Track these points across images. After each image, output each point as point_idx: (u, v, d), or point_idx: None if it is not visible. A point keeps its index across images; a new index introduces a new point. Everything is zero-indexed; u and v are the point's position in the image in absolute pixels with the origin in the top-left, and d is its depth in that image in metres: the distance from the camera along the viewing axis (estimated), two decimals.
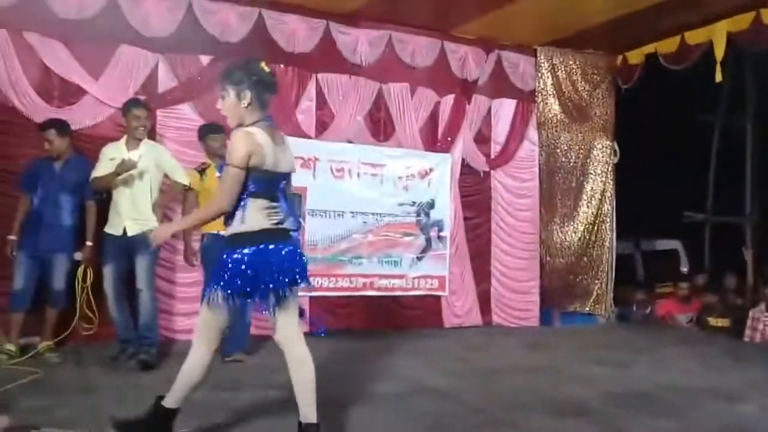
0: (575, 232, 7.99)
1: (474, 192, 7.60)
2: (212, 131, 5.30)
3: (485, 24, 7.05)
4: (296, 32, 6.59)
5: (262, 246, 2.96)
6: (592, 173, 8.09)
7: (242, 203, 2.96)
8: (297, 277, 3.09)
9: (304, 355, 3.15)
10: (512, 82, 7.74)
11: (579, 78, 8.02)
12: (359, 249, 6.87)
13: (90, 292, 5.01)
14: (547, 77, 7.88)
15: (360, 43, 6.90)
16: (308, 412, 3.11)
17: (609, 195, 8.15)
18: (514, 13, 6.67)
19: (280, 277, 2.98)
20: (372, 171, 6.98)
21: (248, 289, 2.95)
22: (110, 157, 4.88)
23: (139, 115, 4.95)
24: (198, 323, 3.15)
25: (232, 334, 4.87)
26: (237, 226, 2.98)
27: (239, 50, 6.30)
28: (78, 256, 5.00)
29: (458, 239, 7.39)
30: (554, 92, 7.92)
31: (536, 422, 3.74)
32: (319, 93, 6.79)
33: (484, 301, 7.59)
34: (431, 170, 7.26)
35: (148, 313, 4.91)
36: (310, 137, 6.71)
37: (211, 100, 6.17)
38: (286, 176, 3.14)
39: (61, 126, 5.02)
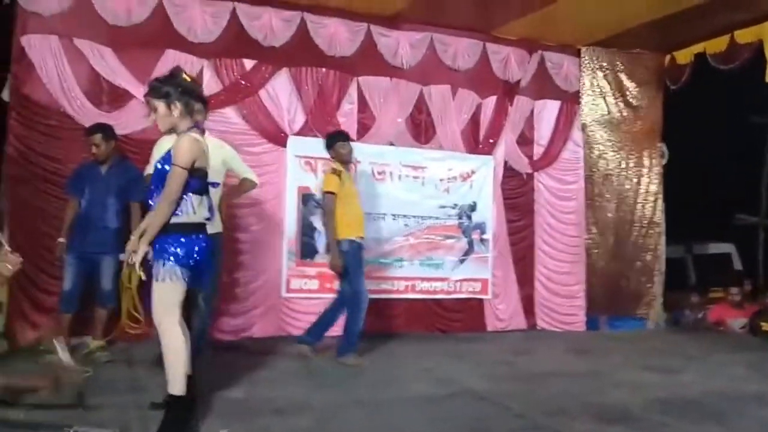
0: (622, 236, 7.81)
1: (517, 194, 7.52)
2: (342, 139, 5.45)
3: (528, 24, 6.97)
4: (338, 36, 6.62)
5: (195, 236, 3.33)
6: (639, 175, 7.92)
7: (186, 198, 3.30)
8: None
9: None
10: (556, 83, 7.64)
11: (626, 78, 7.87)
12: (401, 252, 6.86)
13: (135, 293, 5.09)
14: (592, 78, 7.75)
15: (401, 45, 6.90)
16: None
17: (658, 198, 7.96)
18: (557, 13, 6.59)
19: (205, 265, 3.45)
20: (413, 173, 6.96)
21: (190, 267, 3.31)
22: (166, 149, 4.88)
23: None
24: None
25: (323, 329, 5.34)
26: (181, 218, 3.29)
27: (282, 54, 6.41)
28: (123, 256, 5.09)
29: (501, 242, 7.32)
30: (600, 93, 7.78)
31: (579, 428, 3.66)
32: (361, 96, 6.81)
33: (528, 304, 7.49)
34: (473, 172, 7.20)
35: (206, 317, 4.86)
36: (351, 140, 6.71)
37: (254, 103, 6.31)
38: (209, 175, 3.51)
39: (106, 130, 5.14)
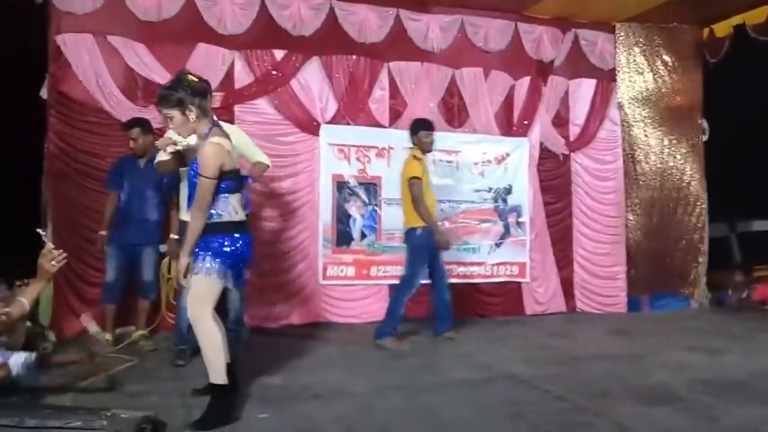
0: (665, 214, 7.66)
1: (553, 176, 7.41)
2: (427, 128, 5.54)
3: (560, 2, 6.85)
4: (367, 22, 6.60)
5: (237, 235, 3.39)
6: (680, 153, 7.73)
7: (222, 198, 3.34)
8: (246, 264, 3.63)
9: None
10: (590, 61, 7.49)
11: (663, 54, 7.68)
12: None
13: (175, 283, 5.18)
14: (629, 54, 7.58)
15: (431, 29, 6.83)
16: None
17: (699, 175, 7.77)
18: None
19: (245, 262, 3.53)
20: (447, 158, 6.92)
21: (234, 266, 3.39)
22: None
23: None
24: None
25: (443, 313, 5.50)
26: (219, 217, 3.34)
27: (312, 43, 6.41)
28: (163, 248, 5.19)
29: (538, 224, 7.24)
30: (637, 70, 7.61)
31: (621, 410, 3.60)
32: (392, 82, 6.78)
33: (568, 287, 7.40)
34: (508, 155, 7.13)
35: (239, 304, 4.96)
36: (383, 126, 6.73)
37: (285, 93, 6.33)
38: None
39: (144, 124, 5.21)
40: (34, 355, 3.47)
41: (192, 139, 4.37)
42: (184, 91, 3.24)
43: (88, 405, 3.33)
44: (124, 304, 5.31)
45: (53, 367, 3.80)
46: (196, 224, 3.27)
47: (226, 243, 3.31)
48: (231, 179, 3.33)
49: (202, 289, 3.30)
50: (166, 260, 5.17)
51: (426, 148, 5.53)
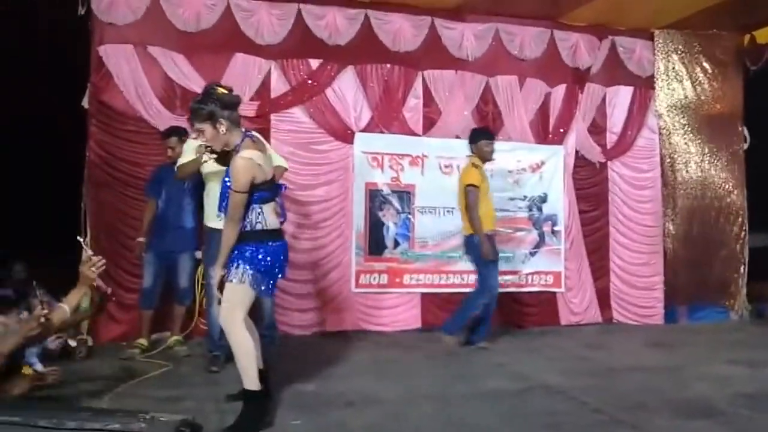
0: (705, 223, 7.50)
1: (590, 184, 7.31)
2: (487, 137, 5.64)
3: (597, 9, 6.75)
4: (402, 31, 6.62)
5: (272, 243, 3.41)
6: (720, 161, 7.57)
7: (256, 209, 3.37)
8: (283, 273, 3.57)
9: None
10: (628, 68, 7.38)
11: (703, 61, 7.54)
12: None
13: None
14: (667, 62, 7.45)
15: (465, 37, 6.82)
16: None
17: (740, 184, 7.60)
18: None
19: (280, 269, 3.50)
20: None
21: (271, 275, 3.42)
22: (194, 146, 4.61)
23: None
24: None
25: (483, 323, 5.56)
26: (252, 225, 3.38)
27: (347, 52, 6.45)
28: (199, 254, 5.25)
29: (573, 233, 7.14)
30: (676, 77, 7.49)
31: (659, 423, 3.53)
32: (426, 90, 6.78)
33: (604, 297, 7.28)
34: (543, 163, 7.06)
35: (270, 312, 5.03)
36: (417, 134, 6.72)
37: (320, 102, 6.38)
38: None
39: (181, 133, 5.29)
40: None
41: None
42: (214, 104, 3.27)
43: (126, 408, 3.39)
44: (161, 309, 5.39)
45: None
46: (230, 235, 3.31)
47: (259, 251, 3.33)
48: (264, 190, 3.35)
49: (235, 296, 3.34)
50: (201, 267, 5.26)
51: (486, 157, 5.61)
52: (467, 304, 5.63)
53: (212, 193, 4.47)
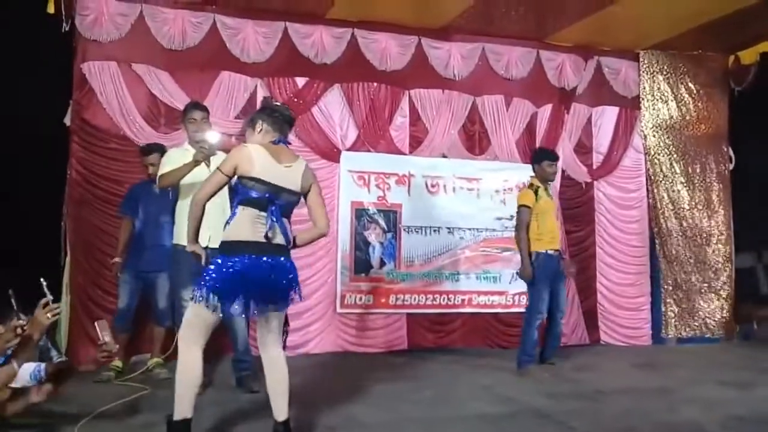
0: (689, 245, 7.49)
1: (576, 204, 7.31)
2: (551, 158, 5.59)
3: (583, 30, 6.79)
4: (388, 49, 6.62)
5: (238, 257, 3.08)
6: (705, 181, 7.59)
7: (234, 212, 3.18)
8: (275, 291, 3.18)
9: (277, 357, 3.30)
10: (614, 88, 7.43)
11: (688, 81, 7.60)
12: (456, 265, 6.74)
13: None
14: (653, 82, 7.50)
15: (452, 57, 6.84)
16: (279, 410, 3.24)
17: (725, 204, 7.62)
18: (613, 18, 6.40)
19: (255, 289, 3.10)
20: (468, 185, 6.86)
21: (226, 294, 3.07)
22: (177, 158, 4.50)
23: (196, 118, 4.58)
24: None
25: (548, 341, 5.53)
26: (225, 234, 3.17)
27: (333, 70, 6.43)
28: None
29: None
30: (661, 97, 7.53)
31: None
32: (413, 109, 6.78)
33: (591, 318, 7.24)
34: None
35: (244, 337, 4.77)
36: (404, 153, 6.70)
37: (306, 120, 6.34)
38: (289, 193, 3.28)
39: (162, 149, 5.19)
40: (43, 366, 3.40)
41: (214, 138, 4.33)
42: (261, 111, 3.40)
43: None
44: (142, 331, 5.27)
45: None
46: (193, 209, 3.24)
47: (221, 266, 3.07)
48: (250, 189, 3.14)
49: (188, 314, 3.20)
50: None
51: (547, 177, 5.55)
52: (524, 333, 5.49)
53: (182, 211, 4.26)
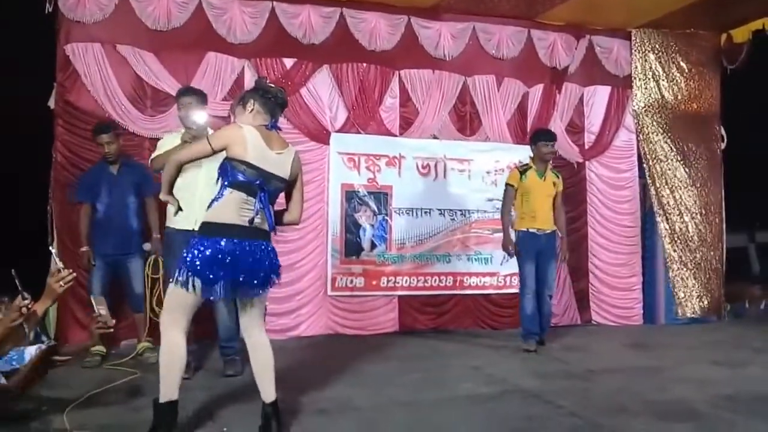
0: (681, 225, 7.47)
1: (568, 184, 7.14)
2: (546, 138, 5.64)
3: (574, 8, 6.70)
4: (378, 29, 6.53)
5: (220, 240, 3.05)
6: (697, 161, 7.55)
7: (221, 193, 3.12)
8: (257, 277, 3.14)
9: (260, 341, 3.30)
10: (606, 67, 7.36)
11: (680, 60, 7.53)
12: (448, 247, 6.72)
13: (161, 284, 4.91)
14: (644, 61, 7.44)
15: (443, 36, 6.75)
16: (266, 392, 3.23)
17: (717, 183, 7.59)
18: None
19: (236, 272, 3.05)
20: (459, 167, 6.82)
21: (206, 277, 3.02)
22: (170, 144, 4.44)
23: (184, 102, 4.45)
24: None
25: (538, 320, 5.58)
26: (208, 215, 3.13)
27: (322, 51, 6.35)
28: (147, 246, 5.02)
29: None
30: (653, 76, 7.47)
31: (639, 427, 3.47)
32: (403, 90, 6.70)
33: (582, 298, 7.24)
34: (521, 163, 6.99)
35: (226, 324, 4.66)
36: (394, 135, 6.64)
37: (295, 102, 6.25)
38: (278, 180, 3.24)
39: (116, 127, 5.07)
40: (44, 346, 3.39)
41: (201, 118, 4.26)
42: (253, 91, 3.30)
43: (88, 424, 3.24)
44: (123, 318, 5.19)
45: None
46: (168, 169, 3.21)
47: (199, 247, 3.03)
48: (240, 172, 3.07)
49: (168, 298, 3.16)
50: (151, 259, 5.05)
51: (542, 157, 5.62)
52: (520, 309, 5.62)
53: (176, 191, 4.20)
